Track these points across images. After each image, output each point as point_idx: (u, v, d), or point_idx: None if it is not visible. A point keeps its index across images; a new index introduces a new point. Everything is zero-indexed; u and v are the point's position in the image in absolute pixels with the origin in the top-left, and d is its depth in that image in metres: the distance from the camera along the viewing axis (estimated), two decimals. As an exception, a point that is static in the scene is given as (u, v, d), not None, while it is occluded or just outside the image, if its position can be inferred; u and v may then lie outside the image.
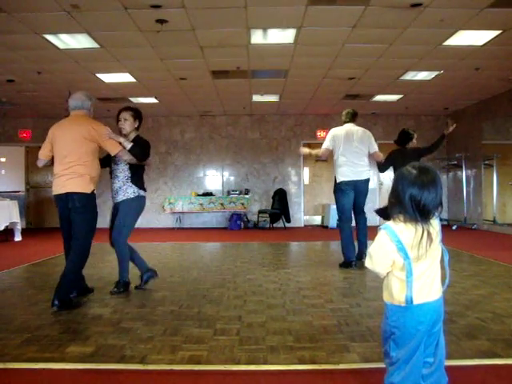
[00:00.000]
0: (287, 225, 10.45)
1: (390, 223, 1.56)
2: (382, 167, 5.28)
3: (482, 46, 5.87)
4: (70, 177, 3.44)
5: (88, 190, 3.49)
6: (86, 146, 3.50)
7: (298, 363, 2.19)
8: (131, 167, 3.83)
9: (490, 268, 4.80)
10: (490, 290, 3.71)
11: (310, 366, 2.16)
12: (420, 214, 1.50)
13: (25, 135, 10.81)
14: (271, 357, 2.26)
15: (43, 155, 3.60)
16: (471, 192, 9.79)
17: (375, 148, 5.00)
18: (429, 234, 1.51)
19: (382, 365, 1.68)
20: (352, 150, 4.87)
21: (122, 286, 3.79)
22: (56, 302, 3.23)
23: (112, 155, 3.68)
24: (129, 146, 3.66)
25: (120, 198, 3.82)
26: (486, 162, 9.25)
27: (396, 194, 1.54)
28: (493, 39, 5.61)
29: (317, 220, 11.13)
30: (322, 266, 5.14)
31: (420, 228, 1.50)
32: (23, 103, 9.13)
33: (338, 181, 4.94)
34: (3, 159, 11.67)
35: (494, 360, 2.21)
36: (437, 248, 1.57)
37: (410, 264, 1.52)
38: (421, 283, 1.54)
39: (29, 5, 4.52)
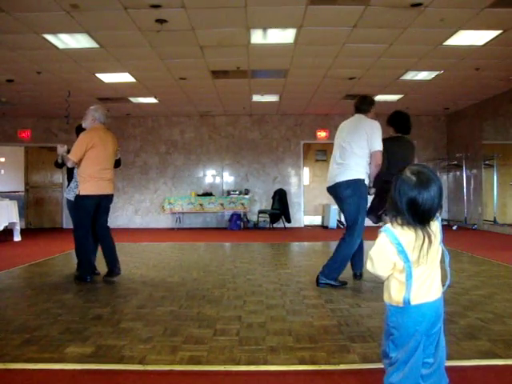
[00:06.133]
0: (287, 225, 10.45)
1: (389, 226, 1.55)
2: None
3: (482, 46, 5.87)
4: (111, 181, 4.29)
5: None
6: (115, 156, 4.39)
7: (298, 364, 2.18)
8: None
9: (491, 268, 4.80)
10: (490, 291, 3.71)
11: (310, 366, 2.15)
12: (419, 218, 1.49)
13: (24, 135, 10.79)
14: (271, 357, 2.26)
15: (78, 158, 4.09)
16: (471, 192, 9.79)
17: None
18: (429, 237, 1.50)
19: (382, 365, 1.68)
20: None
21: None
22: (117, 271, 4.20)
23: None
24: (119, 155, 4.53)
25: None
26: (487, 162, 9.25)
27: (394, 199, 1.54)
28: (493, 39, 5.61)
29: (317, 220, 11.13)
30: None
31: (420, 232, 1.50)
32: (23, 103, 9.12)
33: None
34: (3, 159, 11.70)
35: (494, 361, 2.20)
36: (436, 250, 1.56)
37: (410, 267, 1.51)
38: (419, 284, 1.53)
39: (29, 5, 4.52)
